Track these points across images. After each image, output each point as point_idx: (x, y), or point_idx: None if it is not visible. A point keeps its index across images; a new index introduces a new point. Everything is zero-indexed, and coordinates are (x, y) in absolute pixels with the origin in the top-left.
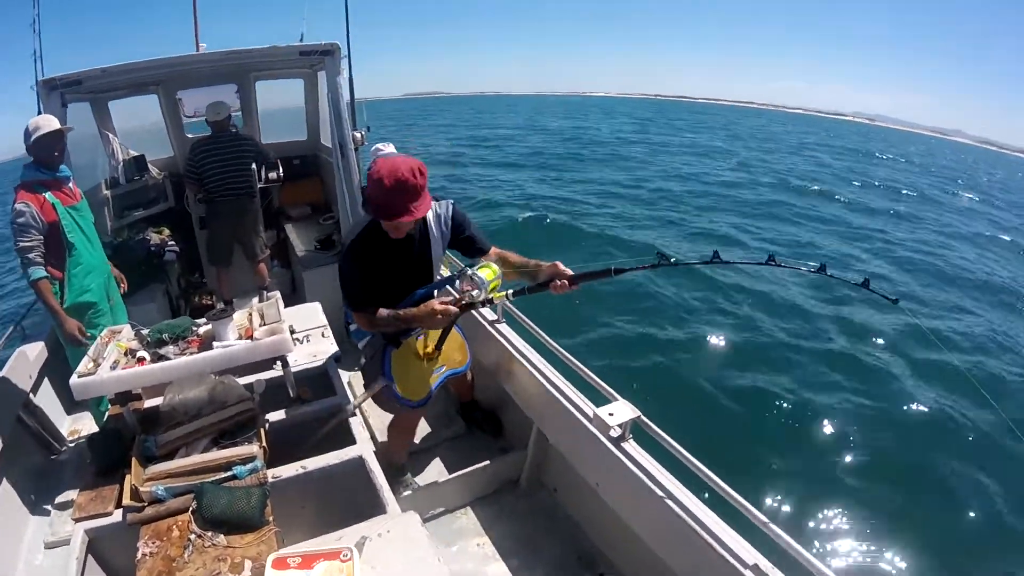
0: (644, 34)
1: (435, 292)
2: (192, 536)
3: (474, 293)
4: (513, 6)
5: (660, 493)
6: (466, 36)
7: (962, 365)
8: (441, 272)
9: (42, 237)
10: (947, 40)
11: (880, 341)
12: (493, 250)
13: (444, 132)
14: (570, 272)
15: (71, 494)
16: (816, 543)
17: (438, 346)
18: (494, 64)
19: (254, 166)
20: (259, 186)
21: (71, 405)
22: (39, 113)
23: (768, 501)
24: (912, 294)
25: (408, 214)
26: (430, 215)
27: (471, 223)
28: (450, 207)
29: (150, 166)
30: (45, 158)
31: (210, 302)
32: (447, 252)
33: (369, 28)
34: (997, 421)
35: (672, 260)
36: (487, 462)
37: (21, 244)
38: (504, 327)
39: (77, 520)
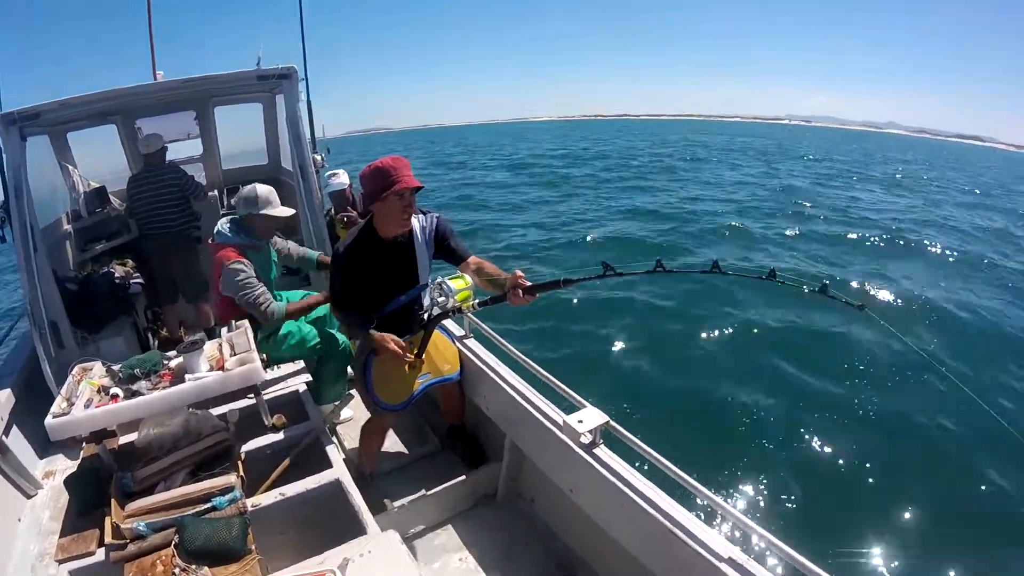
0: (563, 58)
1: (418, 296)
2: (176, 570)
3: (440, 300)
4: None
5: (632, 495)
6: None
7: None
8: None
9: (263, 285)
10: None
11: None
12: (472, 259)
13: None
14: (527, 283)
15: (52, 537)
16: (788, 531)
17: (419, 353)
18: (423, 96)
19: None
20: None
21: (43, 448)
22: None
23: (738, 495)
24: None
25: (414, 181)
26: (416, 225)
27: (453, 234)
28: (435, 219)
29: (111, 197)
30: (262, 234)
31: (180, 334)
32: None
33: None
34: None
35: (616, 271)
36: (463, 477)
37: (256, 295)
38: (472, 342)
39: (60, 562)
